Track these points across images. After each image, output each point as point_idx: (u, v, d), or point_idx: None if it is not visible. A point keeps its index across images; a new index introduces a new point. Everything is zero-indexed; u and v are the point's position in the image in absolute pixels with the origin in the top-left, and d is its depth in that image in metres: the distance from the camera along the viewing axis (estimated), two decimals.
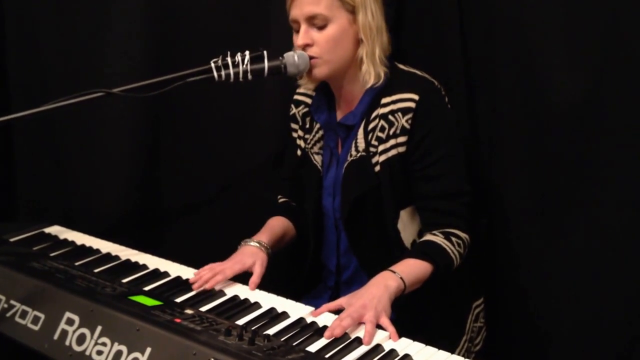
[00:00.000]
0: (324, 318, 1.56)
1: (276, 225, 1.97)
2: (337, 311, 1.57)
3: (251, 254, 1.80)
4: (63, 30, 2.26)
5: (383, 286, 1.58)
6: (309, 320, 1.55)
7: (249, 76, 1.71)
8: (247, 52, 1.70)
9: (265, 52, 1.72)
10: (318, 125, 1.91)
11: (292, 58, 1.73)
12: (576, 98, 1.78)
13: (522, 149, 1.91)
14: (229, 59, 1.69)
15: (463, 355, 1.65)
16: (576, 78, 1.77)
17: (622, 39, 1.71)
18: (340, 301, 1.59)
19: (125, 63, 2.18)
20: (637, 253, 1.77)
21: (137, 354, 1.40)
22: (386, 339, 1.48)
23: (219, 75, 1.69)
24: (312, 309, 1.60)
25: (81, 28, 2.24)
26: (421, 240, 1.77)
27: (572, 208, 1.85)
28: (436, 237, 1.74)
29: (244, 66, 1.70)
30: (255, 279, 1.74)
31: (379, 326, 1.51)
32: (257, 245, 1.83)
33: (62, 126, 2.32)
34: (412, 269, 1.67)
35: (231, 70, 1.69)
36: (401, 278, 1.61)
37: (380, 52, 1.77)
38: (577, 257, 1.86)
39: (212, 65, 1.69)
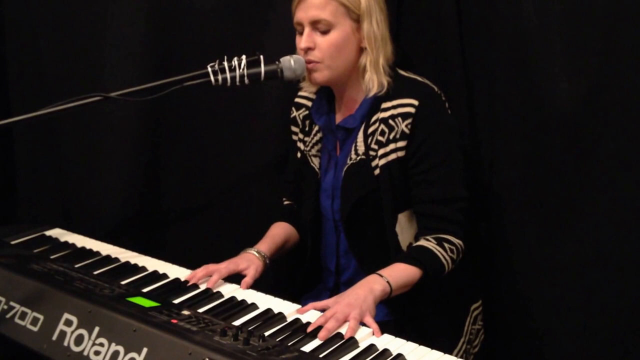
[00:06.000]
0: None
1: (278, 233, 1.98)
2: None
3: (247, 259, 1.83)
4: (63, 33, 2.28)
5: (368, 288, 1.61)
6: (305, 321, 1.56)
7: (246, 80, 1.72)
8: (243, 57, 1.72)
9: (261, 57, 1.73)
10: (317, 128, 1.93)
11: (289, 62, 1.74)
12: (575, 102, 1.79)
13: (522, 153, 1.92)
14: (225, 63, 1.70)
15: (461, 357, 1.66)
16: (575, 82, 1.78)
17: (620, 43, 1.72)
18: (327, 301, 1.61)
19: (126, 66, 2.19)
20: (635, 257, 1.78)
21: (133, 354, 1.41)
22: (369, 335, 1.50)
23: (216, 80, 1.70)
24: None
25: (81, 31, 2.26)
26: (414, 245, 1.78)
27: (570, 212, 1.86)
28: (429, 243, 1.75)
29: (241, 70, 1.71)
30: (248, 279, 1.76)
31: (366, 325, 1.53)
32: (256, 253, 1.86)
33: (62, 129, 2.34)
34: (400, 273, 1.68)
35: (228, 75, 1.70)
36: (388, 282, 1.64)
37: (384, 61, 1.78)
38: (575, 261, 1.87)
39: (209, 69, 1.70)
